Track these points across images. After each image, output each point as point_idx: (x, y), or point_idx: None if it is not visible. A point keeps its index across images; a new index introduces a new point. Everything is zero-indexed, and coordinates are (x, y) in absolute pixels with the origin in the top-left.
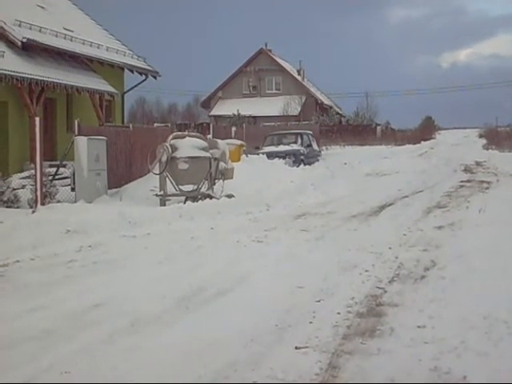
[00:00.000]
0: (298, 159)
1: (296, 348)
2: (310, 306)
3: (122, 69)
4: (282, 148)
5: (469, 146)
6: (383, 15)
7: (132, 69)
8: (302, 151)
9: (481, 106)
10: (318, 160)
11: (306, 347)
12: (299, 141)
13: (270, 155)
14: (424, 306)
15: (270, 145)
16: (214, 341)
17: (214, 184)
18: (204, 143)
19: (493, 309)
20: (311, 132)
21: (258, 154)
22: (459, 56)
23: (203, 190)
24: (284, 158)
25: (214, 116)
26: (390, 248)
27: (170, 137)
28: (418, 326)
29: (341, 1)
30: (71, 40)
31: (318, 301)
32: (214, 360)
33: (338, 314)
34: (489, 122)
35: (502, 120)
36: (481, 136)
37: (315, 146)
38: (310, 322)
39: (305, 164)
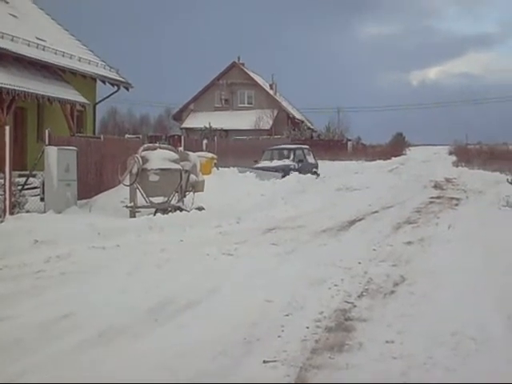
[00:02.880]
0: (287, 174)
1: (264, 362)
2: (278, 320)
3: (95, 79)
4: (275, 163)
5: (439, 162)
6: (354, 33)
7: (104, 80)
8: (292, 166)
9: (451, 124)
10: (313, 173)
11: (275, 361)
12: (291, 156)
13: (262, 170)
14: (393, 321)
15: (265, 159)
16: (182, 353)
17: (185, 196)
18: (175, 155)
19: (461, 325)
20: (307, 147)
21: (254, 168)
22: (429, 74)
23: (173, 202)
24: (273, 171)
25: (186, 128)
26: (359, 263)
27: (141, 148)
28: (387, 341)
29: (313, 18)
30: (43, 50)
31: (287, 315)
32: (181, 373)
33: (307, 328)
34: (459, 140)
35: (472, 138)
36: (451, 153)
37: (311, 160)
38: (279, 336)
39: None
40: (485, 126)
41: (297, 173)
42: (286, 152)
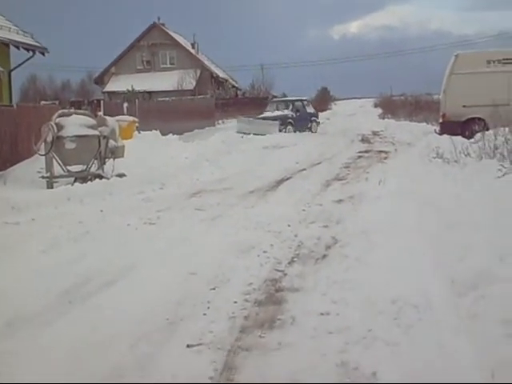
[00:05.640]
0: (285, 122)
1: (188, 346)
2: (204, 296)
3: (7, 45)
4: (275, 114)
5: (365, 115)
6: None
7: (18, 45)
8: (289, 115)
9: (375, 76)
10: (312, 123)
11: (200, 344)
12: (290, 107)
13: (264, 119)
14: (327, 289)
15: (268, 111)
16: (98, 341)
17: (105, 163)
18: (92, 121)
19: (401, 291)
20: (306, 98)
21: (249, 118)
22: (350, 28)
23: (93, 170)
24: (273, 120)
25: (108, 92)
26: (288, 226)
27: (56, 115)
28: (322, 314)
29: None
30: None
31: (213, 288)
32: (96, 365)
33: (235, 303)
34: (384, 92)
35: (396, 89)
36: (376, 105)
37: (310, 110)
38: (204, 314)
39: (294, 127)
40: (408, 77)
41: (292, 122)
42: (285, 103)
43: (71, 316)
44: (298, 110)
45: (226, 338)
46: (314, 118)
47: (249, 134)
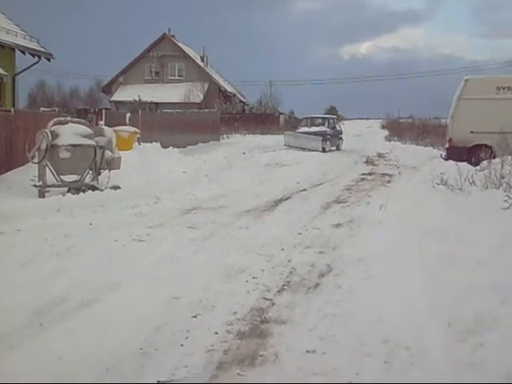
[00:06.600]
0: (325, 138)
1: (158, 383)
2: (184, 323)
3: (13, 49)
4: (313, 129)
5: (371, 137)
6: (287, 7)
7: (23, 50)
8: (328, 132)
9: (383, 98)
10: (339, 140)
11: (171, 381)
12: (326, 123)
13: (306, 134)
14: (316, 323)
15: (304, 126)
16: (61, 373)
17: (99, 174)
18: (88, 130)
19: (394, 330)
20: (335, 116)
21: (296, 132)
22: (360, 49)
23: (87, 180)
24: (315, 135)
25: (115, 102)
26: (282, 249)
27: (51, 122)
28: (307, 351)
29: None
30: None
31: (195, 316)
32: None
33: (216, 333)
34: (391, 113)
35: (404, 112)
36: (383, 127)
37: (338, 128)
38: (181, 345)
39: (330, 142)
40: (416, 100)
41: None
42: (321, 120)
43: (38, 341)
44: (333, 127)
45: (200, 375)
46: (340, 136)
47: (296, 147)
